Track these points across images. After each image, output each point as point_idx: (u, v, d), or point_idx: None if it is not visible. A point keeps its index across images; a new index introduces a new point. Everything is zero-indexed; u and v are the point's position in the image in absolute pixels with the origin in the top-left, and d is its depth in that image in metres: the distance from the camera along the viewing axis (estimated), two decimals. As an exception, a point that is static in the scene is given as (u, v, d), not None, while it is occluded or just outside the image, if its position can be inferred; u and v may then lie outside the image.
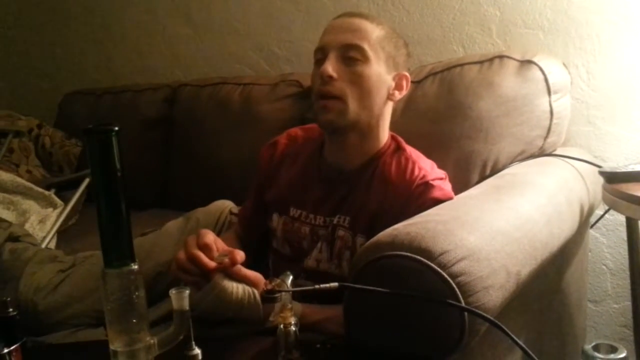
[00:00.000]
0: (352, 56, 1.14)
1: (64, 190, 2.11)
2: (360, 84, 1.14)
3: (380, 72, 1.16)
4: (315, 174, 1.26)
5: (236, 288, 1.01)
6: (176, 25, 2.39)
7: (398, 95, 1.22)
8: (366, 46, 1.14)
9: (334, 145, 1.23)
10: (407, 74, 1.23)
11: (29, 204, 1.94)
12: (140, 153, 2.11)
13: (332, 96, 1.14)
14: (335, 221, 1.20)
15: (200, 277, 1.03)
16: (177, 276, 1.05)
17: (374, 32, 1.16)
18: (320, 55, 1.17)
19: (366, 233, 1.14)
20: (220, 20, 2.27)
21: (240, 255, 1.04)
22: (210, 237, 1.04)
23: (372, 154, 1.21)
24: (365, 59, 1.14)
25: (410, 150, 1.22)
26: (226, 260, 1.00)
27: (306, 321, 1.05)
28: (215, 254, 1.02)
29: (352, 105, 1.14)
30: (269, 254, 1.32)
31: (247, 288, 1.00)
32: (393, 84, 1.20)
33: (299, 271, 1.20)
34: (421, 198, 1.12)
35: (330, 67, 1.13)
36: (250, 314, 1.00)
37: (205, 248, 1.02)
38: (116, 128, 0.72)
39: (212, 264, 1.00)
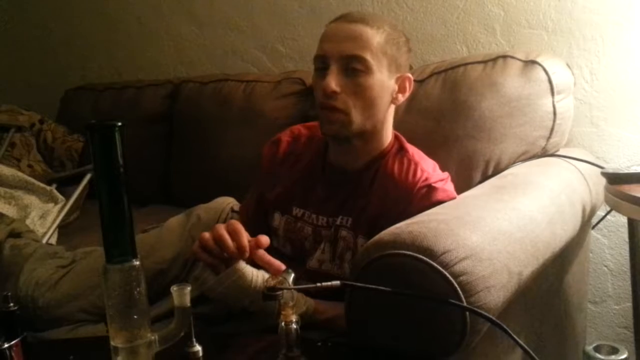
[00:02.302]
0: (355, 67, 1.12)
1: (65, 185, 2.11)
2: (363, 95, 1.13)
3: (383, 79, 1.15)
4: (319, 174, 1.25)
5: (256, 276, 1.01)
6: (179, 22, 2.39)
7: (402, 98, 1.21)
8: (368, 56, 1.12)
9: (338, 148, 1.22)
10: (409, 75, 1.21)
11: (30, 199, 1.94)
12: (142, 149, 2.11)
13: (336, 109, 1.13)
14: (338, 222, 1.19)
15: (220, 261, 1.03)
16: (198, 256, 1.05)
17: (375, 38, 1.13)
18: (321, 64, 1.15)
19: (367, 234, 1.13)
20: (224, 17, 2.27)
21: (265, 239, 1.04)
22: (239, 225, 1.04)
23: (375, 155, 1.21)
24: (367, 69, 1.12)
25: (413, 151, 1.22)
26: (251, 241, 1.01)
27: (319, 318, 1.05)
28: (245, 241, 1.02)
29: (356, 117, 1.14)
30: (270, 253, 1.32)
31: (267, 277, 0.99)
32: (396, 88, 1.19)
33: (301, 272, 1.19)
34: (424, 201, 1.12)
35: (333, 82, 1.11)
36: (267, 305, 0.99)
37: (234, 233, 1.02)
38: (119, 124, 0.72)
39: (234, 248, 1.01)
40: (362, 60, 1.12)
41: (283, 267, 1.00)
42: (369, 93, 1.13)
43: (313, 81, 1.20)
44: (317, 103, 1.17)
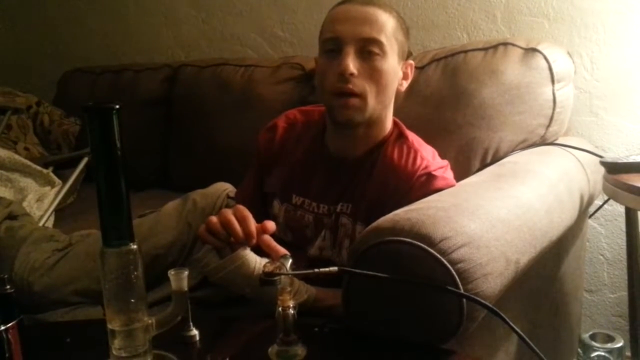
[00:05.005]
0: (371, 51, 1.10)
1: (61, 168, 2.10)
2: (378, 79, 1.12)
3: (394, 65, 1.14)
4: (318, 161, 1.24)
5: (259, 264, 1.01)
6: (178, 5, 2.37)
7: (405, 85, 1.21)
8: (384, 39, 1.11)
9: (340, 135, 1.21)
10: (412, 62, 1.22)
11: (26, 182, 1.93)
12: (139, 133, 2.10)
13: (353, 94, 1.11)
14: (338, 209, 1.19)
15: (225, 245, 1.03)
16: (204, 239, 1.04)
17: (389, 22, 1.12)
18: (333, 46, 1.13)
19: (366, 221, 1.12)
20: (223, 1, 2.25)
21: (271, 225, 1.04)
22: (247, 212, 1.04)
23: (376, 142, 1.20)
24: (383, 53, 1.11)
25: (413, 138, 1.21)
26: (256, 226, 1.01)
27: (319, 306, 1.05)
28: (253, 227, 1.02)
29: (371, 102, 1.12)
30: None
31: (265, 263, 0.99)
32: (401, 74, 1.19)
33: (302, 259, 1.18)
34: (423, 189, 1.12)
35: (352, 64, 1.09)
36: (268, 294, 0.99)
37: (242, 220, 1.02)
38: (117, 106, 0.72)
39: (242, 233, 1.00)
40: (379, 44, 1.10)
41: (288, 254, 1.00)
42: (384, 78, 1.12)
43: (321, 64, 1.16)
44: (326, 88, 1.14)
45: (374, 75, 1.11)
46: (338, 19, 1.14)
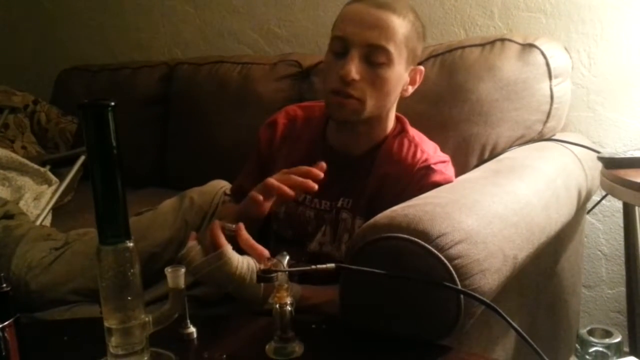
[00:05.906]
0: (377, 58, 1.09)
1: (59, 167, 2.10)
2: (380, 86, 1.11)
3: (401, 72, 1.14)
4: (319, 157, 1.23)
5: (241, 263, 1.01)
6: (175, 3, 2.36)
7: (411, 90, 1.20)
8: (392, 48, 1.09)
9: (341, 133, 1.21)
10: (421, 68, 1.20)
11: (24, 181, 1.93)
12: (136, 131, 2.09)
13: (351, 96, 1.11)
14: (339, 204, 1.19)
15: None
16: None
17: (401, 29, 1.10)
18: (340, 46, 1.12)
19: (365, 215, 1.13)
20: (220, -2, 2.25)
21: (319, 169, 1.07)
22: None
23: (379, 140, 1.20)
24: (389, 61, 1.10)
25: (414, 133, 1.21)
26: (233, 227, 1.01)
27: (306, 304, 1.05)
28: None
29: (369, 105, 1.12)
30: (270, 237, 1.31)
31: (252, 265, 0.99)
32: (408, 79, 1.18)
33: (301, 255, 1.19)
34: (422, 182, 1.12)
35: (354, 70, 1.08)
36: (251, 292, 0.99)
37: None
38: (112, 103, 0.71)
39: (223, 240, 1.00)
40: (386, 52, 1.09)
41: (266, 252, 0.99)
42: (386, 85, 1.12)
43: (327, 61, 1.16)
44: (327, 85, 1.14)
45: (377, 82, 1.11)
46: (349, 19, 1.12)
